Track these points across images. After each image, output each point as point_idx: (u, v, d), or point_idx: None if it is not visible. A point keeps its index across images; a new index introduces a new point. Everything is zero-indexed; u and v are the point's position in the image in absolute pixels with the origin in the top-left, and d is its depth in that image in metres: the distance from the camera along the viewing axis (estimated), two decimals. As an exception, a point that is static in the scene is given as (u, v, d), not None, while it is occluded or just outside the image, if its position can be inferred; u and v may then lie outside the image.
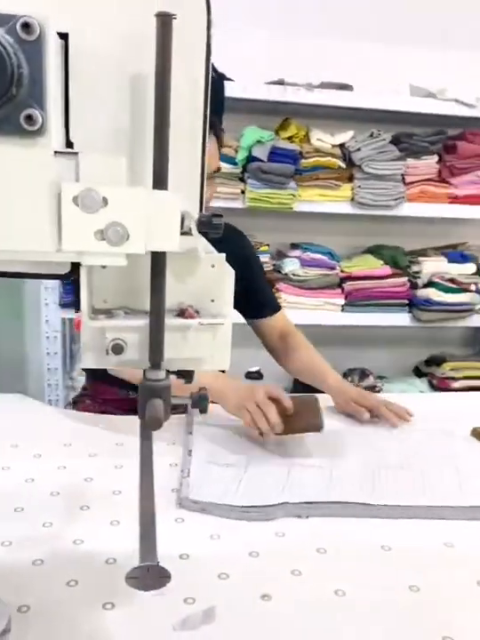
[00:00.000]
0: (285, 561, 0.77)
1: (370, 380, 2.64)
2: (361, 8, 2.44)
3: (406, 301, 2.52)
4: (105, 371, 1.25)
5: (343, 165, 2.37)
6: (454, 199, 2.48)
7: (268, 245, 2.48)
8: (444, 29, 2.51)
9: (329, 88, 2.31)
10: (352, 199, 2.40)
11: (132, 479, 0.96)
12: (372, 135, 2.37)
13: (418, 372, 2.86)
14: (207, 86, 0.53)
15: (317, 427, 1.05)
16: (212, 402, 1.05)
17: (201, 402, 0.56)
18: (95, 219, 0.44)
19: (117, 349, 0.54)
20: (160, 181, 0.48)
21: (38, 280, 2.08)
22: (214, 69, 2.28)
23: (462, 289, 2.51)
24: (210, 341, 0.57)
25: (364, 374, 2.66)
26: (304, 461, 1.04)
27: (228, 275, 0.58)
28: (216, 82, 2.12)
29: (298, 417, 1.08)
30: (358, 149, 2.36)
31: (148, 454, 1.02)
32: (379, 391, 2.62)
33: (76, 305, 0.75)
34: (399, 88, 2.44)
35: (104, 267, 0.55)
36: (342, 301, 2.47)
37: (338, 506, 0.89)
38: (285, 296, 2.42)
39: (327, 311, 2.47)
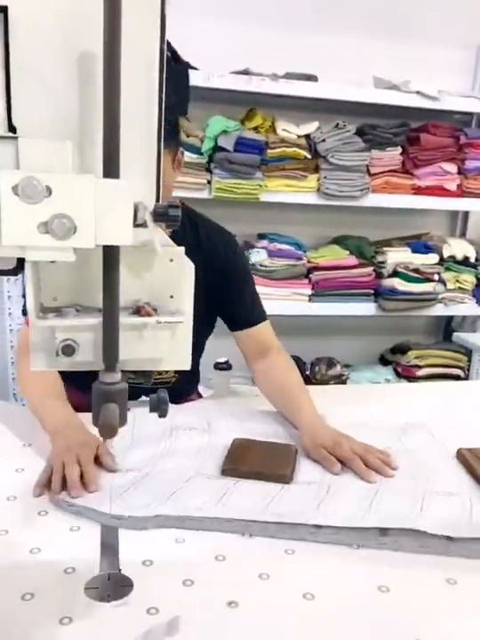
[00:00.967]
0: (253, 564, 0.74)
1: (337, 369, 2.64)
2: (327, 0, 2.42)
3: (372, 291, 2.53)
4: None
5: (309, 156, 2.35)
6: (417, 190, 2.50)
7: (234, 236, 2.44)
8: (409, 22, 2.52)
9: (294, 79, 2.29)
10: (318, 189, 2.39)
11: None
12: (337, 126, 2.36)
13: (383, 361, 2.88)
14: (162, 66, 0.50)
15: (285, 478, 0.93)
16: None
17: (160, 405, 0.53)
18: (38, 210, 0.41)
19: (68, 351, 0.50)
20: (110, 169, 0.44)
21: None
22: (179, 58, 2.24)
23: (426, 279, 2.54)
24: (168, 340, 0.53)
25: (331, 363, 2.66)
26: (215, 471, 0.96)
27: (188, 269, 0.54)
28: (181, 71, 2.05)
29: (268, 463, 0.96)
30: (323, 140, 2.34)
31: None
32: (345, 380, 2.63)
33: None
34: (363, 80, 2.44)
35: (53, 262, 0.51)
36: (309, 291, 2.46)
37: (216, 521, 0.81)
38: (252, 287, 2.40)
39: (294, 302, 2.46)
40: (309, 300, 2.48)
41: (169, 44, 2.18)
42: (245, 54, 2.35)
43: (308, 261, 2.48)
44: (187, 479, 0.92)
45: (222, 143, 2.24)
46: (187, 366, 0.56)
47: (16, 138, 0.41)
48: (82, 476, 0.90)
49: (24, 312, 1.22)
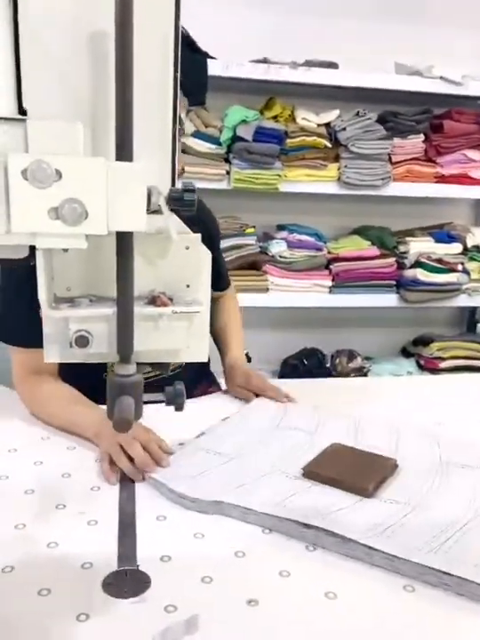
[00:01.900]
0: (273, 561, 0.73)
1: (357, 362, 2.61)
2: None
3: (394, 282, 2.49)
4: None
5: (329, 145, 2.31)
6: (440, 178, 2.44)
7: (254, 227, 2.42)
8: (431, 6, 2.46)
9: (314, 66, 2.25)
10: (338, 179, 2.35)
11: (111, 475, 0.92)
12: (357, 114, 2.31)
13: (405, 353, 2.83)
14: (177, 45, 0.47)
15: (365, 492, 0.85)
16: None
17: (176, 398, 0.51)
18: (48, 194, 0.39)
19: (82, 342, 0.48)
20: (123, 152, 0.42)
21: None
22: (197, 48, 2.21)
23: (449, 269, 2.48)
24: (185, 331, 0.51)
25: (351, 355, 2.63)
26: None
27: (205, 257, 0.52)
28: (199, 61, 2.05)
29: (354, 472, 0.89)
30: (344, 129, 2.30)
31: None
32: (366, 372, 2.60)
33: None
34: (385, 66, 2.39)
35: (66, 250, 0.49)
36: (330, 283, 2.43)
37: (293, 525, 0.77)
38: (272, 278, 2.38)
39: (315, 293, 2.43)
40: (330, 292, 2.45)
41: (187, 34, 2.16)
42: (264, 42, 2.31)
43: (329, 252, 2.45)
44: (263, 474, 0.90)
45: (241, 133, 2.21)
46: (204, 358, 0.54)
47: (24, 120, 0.39)
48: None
49: (4, 338, 1.16)
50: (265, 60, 2.24)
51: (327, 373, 2.59)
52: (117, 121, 0.43)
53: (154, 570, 0.70)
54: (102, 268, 0.50)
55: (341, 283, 2.43)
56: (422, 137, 2.40)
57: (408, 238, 2.52)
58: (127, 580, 0.68)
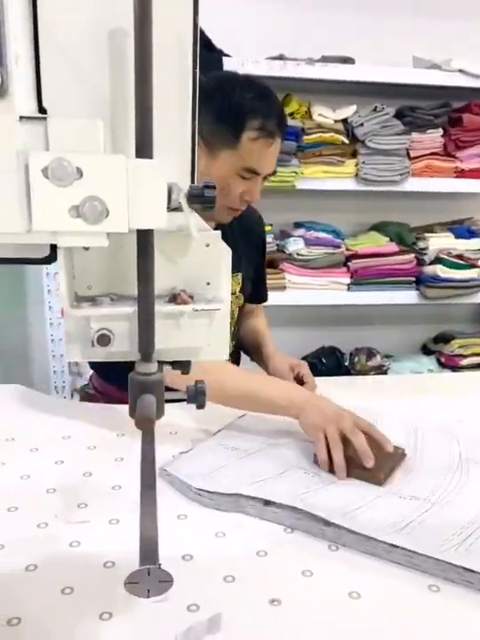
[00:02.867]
0: (296, 560, 0.72)
1: (377, 359, 2.59)
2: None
3: (413, 279, 2.47)
4: (112, 370, 1.19)
5: (346, 141, 2.29)
6: (460, 173, 2.41)
7: (271, 225, 2.41)
8: (447, -1, 2.42)
9: (330, 62, 2.23)
10: (356, 175, 2.34)
11: (133, 473, 0.91)
12: (375, 109, 2.29)
13: (426, 350, 2.80)
14: (196, 41, 0.47)
15: (375, 479, 0.88)
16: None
17: (197, 397, 0.51)
18: (69, 193, 0.39)
19: (104, 340, 0.48)
20: (143, 148, 0.42)
21: (39, 266, 2.04)
22: (213, 46, 2.21)
23: (470, 265, 2.45)
24: (206, 329, 0.51)
25: (371, 353, 2.61)
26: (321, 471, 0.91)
27: (225, 254, 0.52)
28: (214, 59, 2.05)
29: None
30: (361, 124, 2.28)
31: (150, 447, 0.98)
32: (386, 370, 2.58)
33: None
34: (402, 60, 2.36)
35: (87, 248, 0.49)
36: (348, 280, 2.42)
37: (312, 522, 0.77)
38: (290, 276, 2.37)
39: (333, 290, 2.42)
40: (348, 289, 2.43)
41: (203, 32, 2.15)
42: (280, 39, 2.30)
43: (347, 249, 2.43)
44: (281, 470, 0.90)
45: (257, 130, 2.20)
46: (225, 356, 0.54)
47: (45, 118, 0.39)
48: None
49: None
50: (281, 57, 2.23)
51: (346, 372, 2.57)
52: (137, 118, 0.43)
53: (176, 569, 0.69)
54: (123, 266, 0.50)
55: (360, 280, 2.42)
56: (441, 131, 2.38)
57: (427, 234, 2.49)
58: (149, 579, 0.67)
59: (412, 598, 0.66)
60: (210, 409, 0.60)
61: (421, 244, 2.48)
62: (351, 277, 2.42)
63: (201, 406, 0.52)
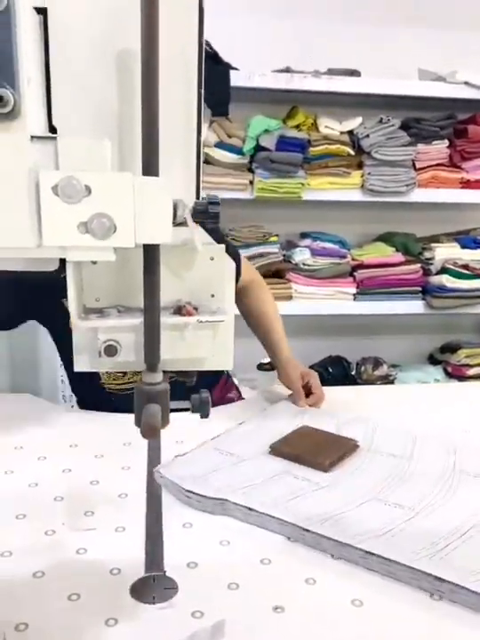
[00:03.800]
0: (298, 568, 0.73)
1: (383, 369, 2.59)
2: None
3: (419, 288, 2.47)
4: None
5: (352, 152, 2.31)
6: (466, 184, 2.42)
7: (277, 236, 2.43)
8: (452, 11, 2.44)
9: (336, 74, 2.26)
10: (362, 186, 2.35)
11: (140, 481, 0.92)
12: (381, 121, 2.31)
13: (432, 360, 2.80)
14: (200, 61, 0.49)
15: (321, 466, 0.94)
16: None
17: (202, 407, 0.52)
18: (78, 209, 0.40)
19: (110, 351, 0.50)
20: (150, 167, 0.43)
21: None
22: (220, 59, 2.24)
23: (476, 275, 2.46)
24: (210, 340, 0.52)
25: (377, 363, 2.61)
26: (313, 475, 0.92)
27: (229, 268, 0.53)
28: (222, 72, 2.07)
29: (315, 450, 0.97)
30: (367, 136, 2.30)
31: (156, 456, 0.99)
32: (393, 380, 2.58)
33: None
34: (408, 72, 2.38)
35: (94, 262, 0.51)
36: (354, 290, 2.42)
37: (293, 528, 0.78)
38: (296, 286, 2.38)
39: (339, 300, 2.43)
40: (354, 299, 2.44)
41: (210, 45, 2.19)
42: (286, 52, 2.33)
43: (353, 259, 2.44)
44: (273, 475, 0.92)
45: (264, 143, 2.23)
46: (229, 366, 0.55)
47: (55, 137, 0.41)
48: None
49: None
50: (287, 70, 2.25)
51: (353, 381, 2.57)
52: (144, 137, 0.44)
53: (181, 576, 0.71)
54: (130, 279, 0.51)
55: (366, 290, 2.43)
56: (446, 142, 2.39)
57: (433, 244, 2.50)
58: (155, 586, 0.69)
59: (413, 606, 0.67)
60: (214, 416, 0.61)
61: (427, 254, 2.49)
62: (357, 287, 2.43)
63: (205, 416, 0.53)
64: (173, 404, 0.51)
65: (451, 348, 2.70)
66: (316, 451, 0.97)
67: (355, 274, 2.43)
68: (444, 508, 0.83)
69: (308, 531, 0.77)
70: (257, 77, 2.19)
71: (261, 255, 2.36)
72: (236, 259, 1.45)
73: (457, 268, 2.43)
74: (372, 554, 0.72)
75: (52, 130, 0.48)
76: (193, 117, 0.50)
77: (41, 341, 2.63)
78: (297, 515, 0.79)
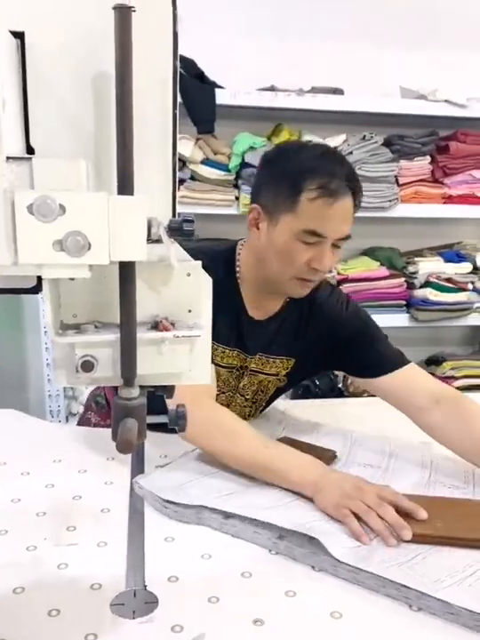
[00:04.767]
0: (279, 581, 0.73)
1: (370, 383, 2.60)
2: (349, 12, 2.43)
3: (404, 302, 2.50)
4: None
5: (336, 168, 2.34)
6: (448, 199, 2.46)
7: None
8: (433, 30, 2.50)
9: (320, 93, 2.29)
10: (346, 201, 2.38)
11: (122, 496, 0.93)
12: (364, 138, 2.34)
13: (418, 374, 2.82)
14: (175, 83, 0.50)
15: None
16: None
17: (178, 420, 0.53)
18: (53, 228, 0.41)
19: (87, 366, 0.50)
20: (124, 186, 0.45)
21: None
22: (206, 78, 2.25)
23: (459, 288, 2.49)
24: (187, 355, 0.53)
25: (364, 376, 2.62)
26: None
27: (205, 283, 0.54)
28: (207, 90, 2.03)
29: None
30: (351, 153, 2.33)
31: (139, 471, 0.99)
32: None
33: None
34: (390, 90, 2.43)
35: (72, 279, 0.51)
36: (340, 304, 2.44)
37: (266, 536, 0.79)
38: (282, 301, 2.40)
39: (325, 315, 2.44)
40: (340, 313, 2.46)
41: (195, 65, 2.22)
42: (271, 70, 2.36)
43: (338, 273, 2.46)
44: (249, 485, 0.93)
45: (249, 159, 2.25)
46: (206, 381, 0.56)
47: (30, 158, 0.42)
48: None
49: None
50: (272, 88, 2.29)
51: (339, 394, 2.58)
52: (118, 156, 0.46)
53: (161, 590, 0.71)
54: (107, 295, 0.52)
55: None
56: (429, 159, 2.43)
57: (417, 258, 2.53)
58: (135, 601, 0.69)
59: (393, 618, 0.68)
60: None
61: (411, 268, 2.52)
62: (343, 301, 2.44)
63: (182, 430, 0.54)
64: (150, 419, 0.52)
65: (436, 361, 2.72)
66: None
67: (340, 287, 2.45)
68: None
69: (282, 538, 0.78)
70: (242, 95, 2.22)
71: (247, 270, 2.38)
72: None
73: (440, 282, 2.46)
74: (342, 562, 0.73)
75: (30, 150, 0.49)
76: (168, 136, 0.51)
77: (28, 357, 2.63)
78: (270, 523, 0.80)
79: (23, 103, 0.48)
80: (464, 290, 2.50)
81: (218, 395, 1.15)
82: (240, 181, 2.29)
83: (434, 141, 2.44)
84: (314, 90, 2.31)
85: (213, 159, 2.26)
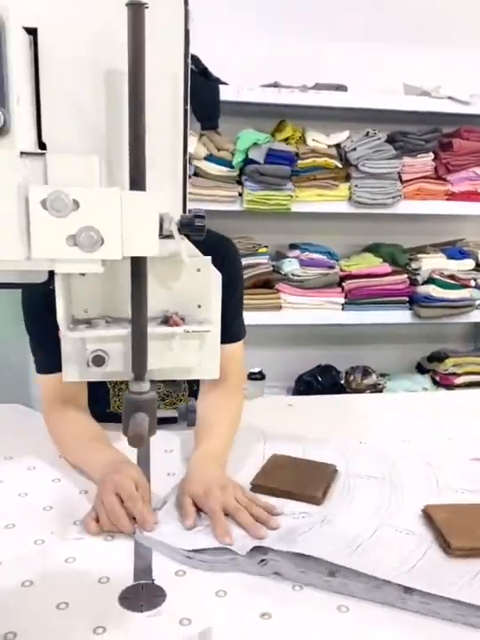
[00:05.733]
0: (286, 575, 0.74)
1: (372, 378, 2.61)
2: (353, 9, 2.42)
3: (406, 298, 2.50)
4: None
5: (339, 165, 2.34)
6: (451, 196, 2.46)
7: (266, 247, 2.46)
8: (437, 27, 2.49)
9: (323, 89, 2.29)
10: (349, 198, 2.38)
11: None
12: (367, 134, 2.34)
13: (420, 369, 2.83)
14: (186, 80, 0.50)
15: (315, 500, 0.88)
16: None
17: (188, 415, 0.53)
18: (66, 223, 0.42)
19: (98, 361, 0.51)
20: (137, 182, 0.45)
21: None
22: (210, 74, 2.25)
23: (462, 285, 2.49)
24: (197, 350, 0.54)
25: (366, 372, 2.63)
26: (309, 509, 0.87)
27: (215, 279, 0.55)
28: (211, 87, 1.99)
29: (301, 482, 0.92)
30: (354, 149, 2.33)
31: (145, 465, 1.00)
32: (382, 389, 2.60)
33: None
34: (393, 87, 2.43)
35: (83, 274, 0.52)
36: (342, 300, 2.45)
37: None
38: (285, 296, 2.41)
39: (328, 310, 2.45)
40: (343, 309, 2.46)
41: (199, 61, 2.22)
42: (274, 67, 2.36)
43: (341, 270, 2.47)
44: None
45: (253, 156, 2.25)
46: (215, 375, 0.56)
47: (44, 154, 0.42)
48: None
49: (40, 369, 1.16)
50: (275, 85, 2.29)
51: (342, 390, 2.59)
52: (131, 152, 0.46)
53: (169, 584, 0.71)
54: (118, 290, 0.52)
55: (354, 300, 2.45)
56: (432, 155, 2.43)
57: (420, 255, 2.53)
58: (143, 594, 0.69)
59: (398, 611, 0.68)
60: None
61: (414, 265, 2.52)
62: (345, 297, 2.45)
63: (192, 424, 0.54)
64: (160, 413, 0.52)
65: (438, 357, 2.72)
66: (302, 483, 0.92)
67: (343, 284, 2.45)
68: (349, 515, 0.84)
69: (333, 575, 0.71)
70: (246, 92, 2.22)
71: (251, 266, 2.38)
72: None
73: (443, 279, 2.46)
74: (333, 576, 0.71)
75: (42, 146, 0.49)
76: (179, 133, 0.51)
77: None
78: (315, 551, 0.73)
79: (36, 99, 0.48)
80: (467, 286, 2.50)
81: None
82: (243, 177, 2.29)
83: (437, 138, 2.44)
84: (317, 86, 2.31)
85: (217, 155, 2.26)
